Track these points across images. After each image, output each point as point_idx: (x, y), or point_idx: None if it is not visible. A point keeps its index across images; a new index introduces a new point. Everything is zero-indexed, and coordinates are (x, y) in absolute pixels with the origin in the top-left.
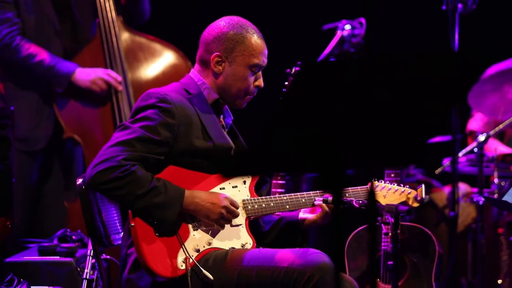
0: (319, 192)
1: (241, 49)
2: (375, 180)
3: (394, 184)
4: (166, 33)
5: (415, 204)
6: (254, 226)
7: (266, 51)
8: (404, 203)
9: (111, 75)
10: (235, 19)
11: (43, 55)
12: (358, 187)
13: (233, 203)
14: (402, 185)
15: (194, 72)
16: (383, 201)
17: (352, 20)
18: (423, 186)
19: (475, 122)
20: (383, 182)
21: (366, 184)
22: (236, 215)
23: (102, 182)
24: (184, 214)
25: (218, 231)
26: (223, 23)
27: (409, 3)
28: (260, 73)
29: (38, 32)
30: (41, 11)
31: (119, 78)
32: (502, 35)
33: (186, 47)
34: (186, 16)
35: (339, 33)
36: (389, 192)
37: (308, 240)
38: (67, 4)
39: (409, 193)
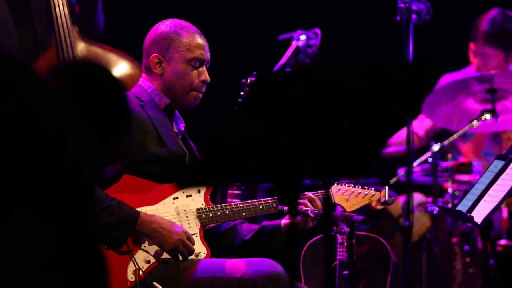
0: (276, 199)
1: (176, 45)
2: (337, 184)
3: (357, 187)
4: (121, 43)
5: (379, 207)
6: (234, 236)
7: (205, 46)
8: (368, 206)
9: None
10: (170, 20)
11: None
12: (319, 191)
13: (190, 239)
14: (366, 187)
15: (143, 81)
16: (345, 204)
17: (307, 31)
18: (386, 187)
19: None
20: (345, 185)
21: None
22: (191, 252)
23: None
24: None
25: None
26: (158, 26)
27: (363, 13)
28: (203, 68)
29: None
30: (2, 28)
31: None
32: (456, 45)
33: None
34: (141, 26)
35: (294, 44)
36: (351, 195)
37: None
38: (27, 16)
39: (372, 196)
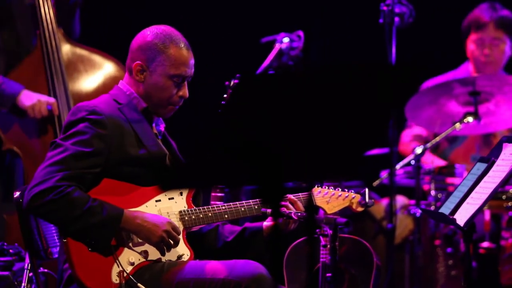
0: (258, 201)
1: (162, 59)
2: (318, 186)
3: (337, 189)
4: (106, 45)
5: (360, 209)
6: (216, 237)
7: (190, 62)
8: (348, 208)
9: (51, 103)
10: (162, 28)
11: None
12: (300, 193)
13: (175, 228)
14: (346, 190)
15: (123, 83)
16: (326, 207)
17: (291, 33)
18: (366, 189)
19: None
20: (326, 187)
21: (309, 190)
22: (177, 241)
23: (37, 206)
24: (120, 232)
25: None
26: (148, 32)
27: (346, 16)
28: (185, 83)
29: None
30: None
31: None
32: (438, 48)
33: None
34: (126, 28)
35: (277, 46)
36: (332, 198)
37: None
38: (9, 17)
39: (353, 198)
